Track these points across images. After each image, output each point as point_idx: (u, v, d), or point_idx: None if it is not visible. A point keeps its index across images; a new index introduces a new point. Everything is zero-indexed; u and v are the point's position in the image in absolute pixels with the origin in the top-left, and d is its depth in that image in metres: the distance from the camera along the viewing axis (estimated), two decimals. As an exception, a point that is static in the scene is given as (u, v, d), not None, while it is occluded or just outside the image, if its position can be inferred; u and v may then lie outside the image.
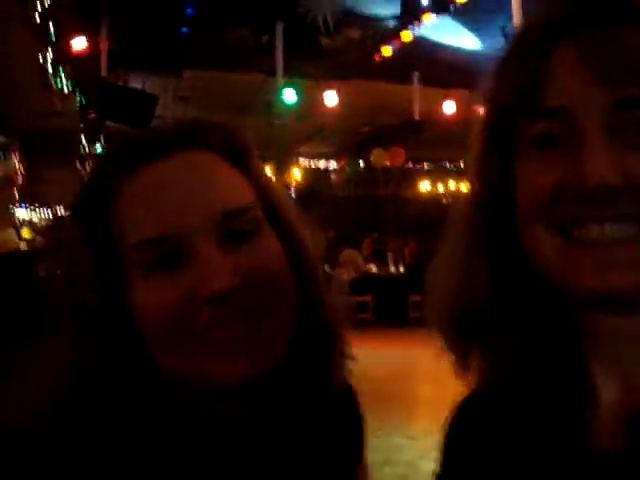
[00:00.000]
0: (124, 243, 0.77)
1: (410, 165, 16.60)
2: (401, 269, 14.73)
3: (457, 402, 0.88)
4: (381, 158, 14.63)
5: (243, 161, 0.85)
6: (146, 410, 0.76)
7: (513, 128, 0.73)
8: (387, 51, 11.20)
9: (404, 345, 9.89)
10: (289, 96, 11.32)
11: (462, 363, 0.80)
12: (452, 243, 0.81)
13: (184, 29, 9.95)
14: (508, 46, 0.77)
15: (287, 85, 11.20)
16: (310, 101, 11.37)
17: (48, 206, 16.83)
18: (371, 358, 8.34)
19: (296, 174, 15.69)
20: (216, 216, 0.76)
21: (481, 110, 0.79)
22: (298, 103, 11.28)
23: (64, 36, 9.03)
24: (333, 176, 16.69)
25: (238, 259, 0.75)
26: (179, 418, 0.78)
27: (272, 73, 10.82)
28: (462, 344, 0.80)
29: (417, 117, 12.39)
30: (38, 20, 8.13)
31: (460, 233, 0.80)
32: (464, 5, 9.62)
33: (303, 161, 15.93)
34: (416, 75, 11.79)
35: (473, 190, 0.79)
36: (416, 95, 12.01)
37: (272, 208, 0.84)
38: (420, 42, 10.79)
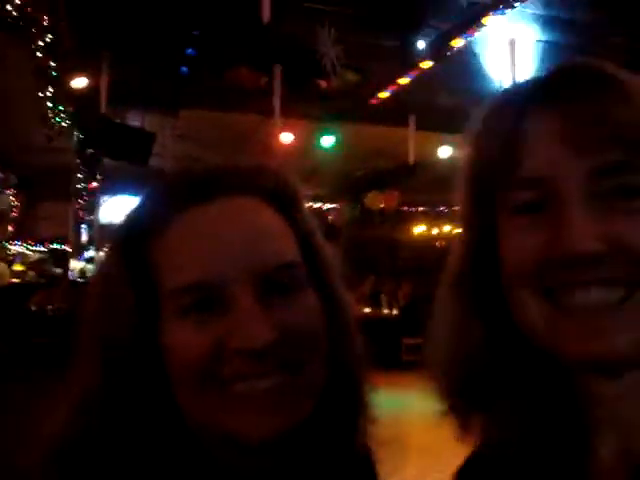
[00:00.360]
0: (164, 285, 0.76)
1: (405, 208, 16.69)
2: (395, 311, 14.71)
3: (459, 465, 0.87)
4: (376, 201, 14.71)
5: (290, 209, 0.84)
6: (165, 454, 0.74)
7: (494, 194, 0.73)
8: (384, 95, 11.33)
9: (397, 388, 9.78)
10: (286, 137, 11.41)
11: (463, 425, 0.79)
12: (446, 300, 0.80)
13: (183, 68, 10.08)
14: (484, 113, 0.78)
15: (285, 128, 11.30)
16: (307, 143, 11.46)
17: (43, 241, 16.83)
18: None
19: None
20: (258, 268, 0.75)
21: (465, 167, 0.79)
22: (295, 145, 11.36)
23: (64, 72, 9.13)
24: (331, 217, 16.75)
25: (276, 313, 0.74)
26: (197, 466, 0.76)
27: (270, 114, 10.93)
28: (462, 407, 0.79)
29: (412, 161, 12.48)
30: (39, 55, 8.22)
31: (453, 290, 0.79)
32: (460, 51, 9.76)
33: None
34: (412, 119, 11.90)
35: (463, 248, 0.79)
36: (411, 139, 12.12)
37: (314, 262, 0.84)
38: (417, 86, 10.92)
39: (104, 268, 0.82)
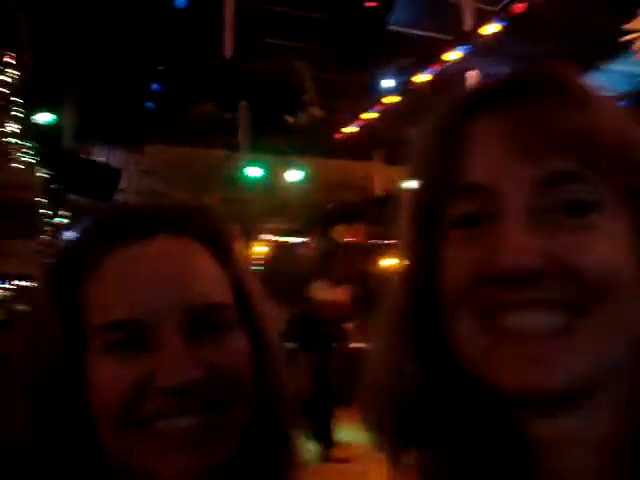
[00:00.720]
0: (92, 321, 0.75)
1: (372, 241, 16.80)
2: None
3: None
4: (342, 234, 14.81)
5: (225, 253, 0.83)
6: None
7: (437, 207, 0.68)
8: (349, 130, 11.46)
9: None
10: (253, 172, 11.45)
11: (396, 461, 0.73)
12: (383, 336, 0.75)
13: (149, 104, 10.09)
14: (428, 122, 0.73)
15: (251, 162, 11.35)
16: (274, 177, 11.52)
17: (8, 278, 16.58)
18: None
19: (261, 249, 15.74)
20: (187, 307, 0.74)
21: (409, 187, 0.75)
22: (262, 179, 11.41)
23: (28, 109, 9.09)
24: (302, 251, 16.75)
25: (203, 353, 0.74)
26: None
27: (236, 149, 10.97)
28: (396, 444, 0.73)
29: (377, 194, 12.59)
30: (2, 90, 8.18)
31: (391, 326, 0.74)
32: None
33: (266, 237, 16.02)
34: (378, 153, 12.04)
35: (402, 274, 0.74)
36: (378, 172, 12.24)
37: (245, 305, 0.83)
38: (383, 121, 11.07)
39: (34, 303, 0.82)
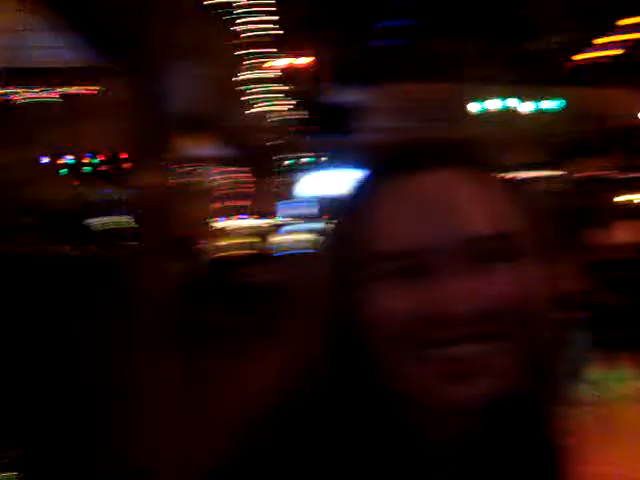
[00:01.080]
0: (371, 250, 0.78)
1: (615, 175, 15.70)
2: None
3: None
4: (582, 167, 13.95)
5: (496, 183, 0.84)
6: (367, 427, 0.79)
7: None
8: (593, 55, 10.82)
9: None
10: (488, 104, 11.25)
11: None
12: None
13: (389, 41, 10.24)
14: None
15: (487, 96, 11.11)
16: (509, 108, 11.21)
17: (263, 214, 17.28)
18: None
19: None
20: (466, 239, 0.76)
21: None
22: (498, 111, 11.18)
23: (287, 54, 9.59)
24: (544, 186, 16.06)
25: (480, 285, 0.75)
26: (401, 439, 0.80)
27: (473, 81, 10.80)
28: None
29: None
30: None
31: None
32: None
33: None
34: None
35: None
36: (622, 98, 11.48)
37: (524, 237, 0.82)
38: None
39: (328, 240, 0.86)
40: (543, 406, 0.83)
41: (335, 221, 0.83)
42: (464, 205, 0.76)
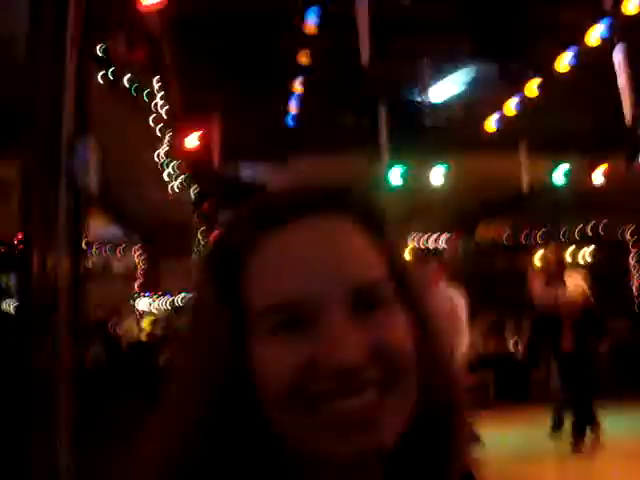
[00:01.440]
0: (252, 305, 0.76)
1: (522, 239, 16.27)
2: (519, 346, 14.30)
3: None
4: (485, 233, 14.42)
5: (379, 230, 0.83)
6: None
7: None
8: (490, 123, 11.19)
9: (524, 423, 9.58)
10: (395, 177, 11.41)
11: None
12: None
13: (290, 120, 10.35)
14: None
15: (392, 165, 11.33)
16: (416, 179, 11.43)
17: (170, 294, 17.38)
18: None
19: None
20: (348, 287, 0.75)
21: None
22: (404, 182, 11.35)
23: (177, 133, 9.58)
24: (445, 252, 16.48)
25: (365, 332, 0.74)
26: None
27: (377, 156, 10.98)
28: None
29: (525, 188, 12.19)
30: (153, 116, 8.67)
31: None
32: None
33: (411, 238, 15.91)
34: (523, 144, 11.66)
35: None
36: (524, 165, 11.86)
37: (402, 282, 0.82)
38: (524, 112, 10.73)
39: (198, 292, 0.83)
40: (443, 457, 0.82)
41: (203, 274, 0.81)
42: (343, 252, 0.76)
